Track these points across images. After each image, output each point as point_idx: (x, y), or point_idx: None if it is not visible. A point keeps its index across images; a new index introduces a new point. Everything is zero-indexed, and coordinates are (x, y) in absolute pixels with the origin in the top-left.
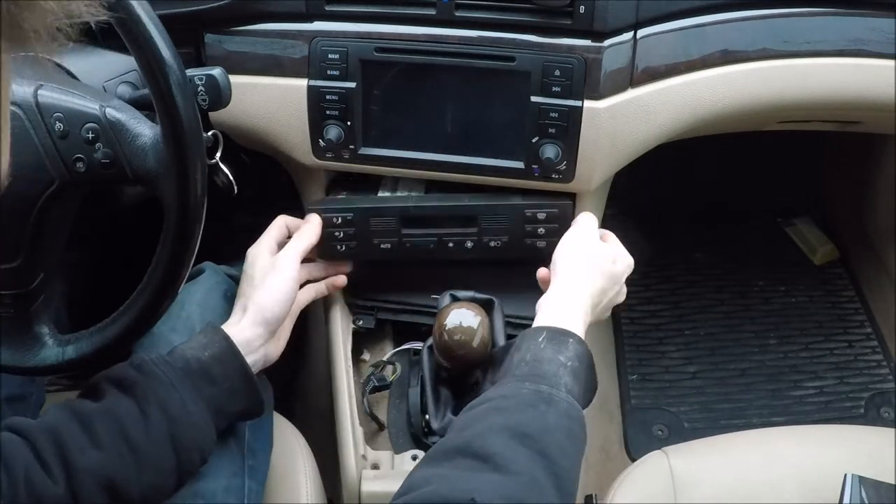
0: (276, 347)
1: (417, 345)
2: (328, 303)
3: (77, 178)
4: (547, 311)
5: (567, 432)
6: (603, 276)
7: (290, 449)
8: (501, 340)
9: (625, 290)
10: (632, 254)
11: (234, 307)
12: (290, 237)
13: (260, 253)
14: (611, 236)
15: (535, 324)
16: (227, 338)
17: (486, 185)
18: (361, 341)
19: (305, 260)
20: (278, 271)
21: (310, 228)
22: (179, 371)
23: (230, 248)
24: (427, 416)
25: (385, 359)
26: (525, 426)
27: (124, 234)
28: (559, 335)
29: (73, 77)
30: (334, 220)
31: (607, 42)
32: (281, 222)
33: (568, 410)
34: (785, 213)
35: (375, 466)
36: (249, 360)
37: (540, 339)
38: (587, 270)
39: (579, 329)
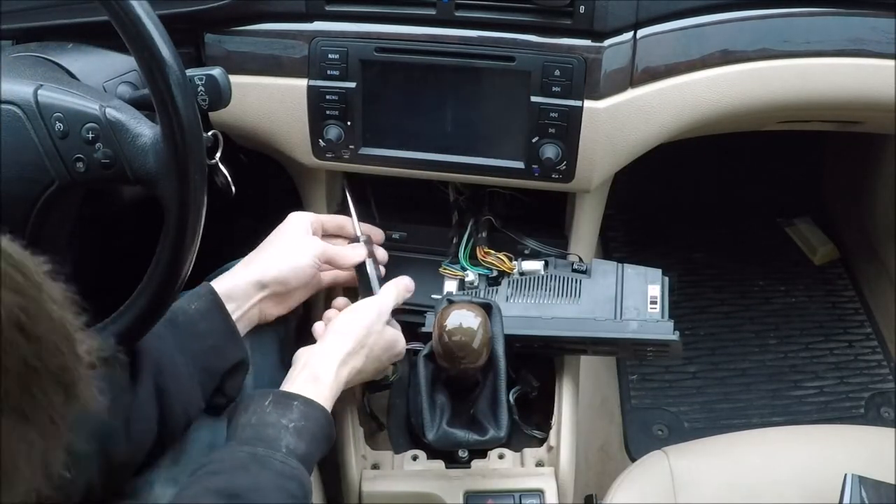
0: (276, 308)
1: (418, 345)
2: (328, 303)
3: (77, 178)
4: (303, 366)
5: (279, 490)
6: (369, 358)
7: None
8: (500, 345)
9: (382, 371)
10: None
11: (241, 261)
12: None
13: (299, 223)
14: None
15: (289, 374)
16: (213, 292)
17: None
18: None
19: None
20: (302, 248)
21: (351, 259)
22: (167, 323)
23: (231, 252)
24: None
25: None
26: (235, 487)
27: (124, 234)
28: (284, 398)
29: (73, 77)
30: None
31: (607, 42)
32: (341, 221)
33: (282, 470)
34: (785, 213)
35: (375, 466)
36: (239, 312)
37: (266, 403)
38: (354, 348)
39: (329, 396)
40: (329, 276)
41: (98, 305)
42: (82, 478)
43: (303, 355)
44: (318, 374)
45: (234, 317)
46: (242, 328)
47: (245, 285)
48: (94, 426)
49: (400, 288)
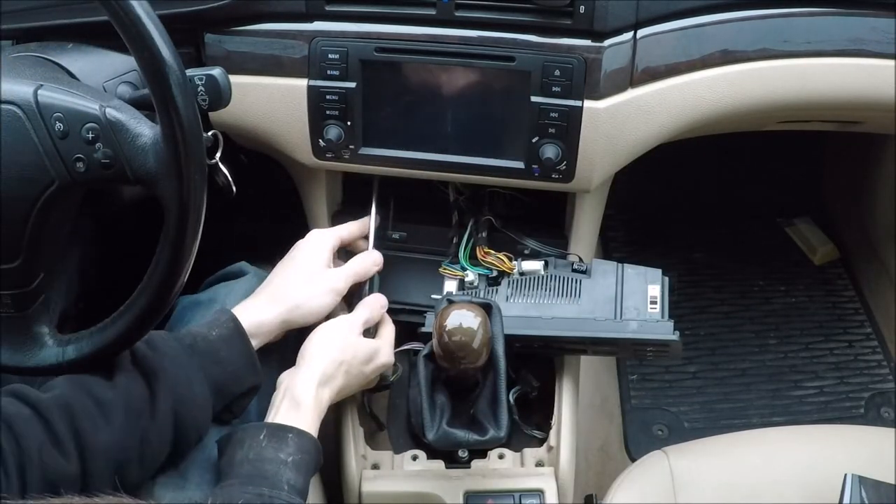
0: (298, 317)
1: (418, 345)
2: None
3: (77, 178)
4: (284, 392)
5: None
6: (347, 375)
7: None
8: (500, 345)
9: (374, 379)
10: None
11: (258, 290)
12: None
13: (321, 250)
14: (385, 329)
15: (273, 400)
16: (234, 319)
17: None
18: None
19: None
20: (326, 286)
21: (369, 264)
22: (188, 349)
23: (233, 254)
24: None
25: None
26: None
27: (124, 234)
28: (279, 432)
29: (73, 77)
30: None
31: (607, 42)
32: (355, 229)
33: None
34: (785, 213)
35: (375, 466)
36: (261, 344)
37: (261, 437)
38: (331, 366)
39: (312, 419)
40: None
41: (98, 305)
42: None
43: (284, 380)
44: (298, 399)
45: (255, 345)
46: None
47: (273, 323)
48: (110, 451)
49: (373, 304)
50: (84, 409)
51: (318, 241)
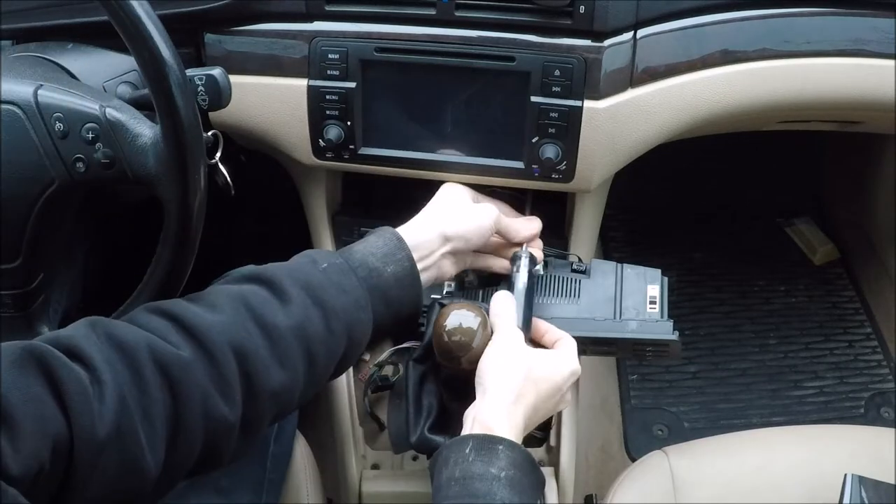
0: (453, 268)
1: (417, 344)
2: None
3: (77, 179)
4: (472, 422)
5: None
6: (537, 388)
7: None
8: None
9: (569, 397)
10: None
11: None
12: None
13: (464, 191)
14: (563, 342)
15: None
16: (410, 258)
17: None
18: None
19: None
20: (481, 209)
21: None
22: (363, 282)
23: (242, 256)
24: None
25: (383, 357)
26: None
27: (124, 234)
28: (487, 443)
29: (73, 77)
30: None
31: (607, 42)
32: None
33: None
34: (785, 213)
35: (375, 466)
36: (423, 263)
37: (467, 450)
38: (516, 382)
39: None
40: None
41: (98, 305)
42: None
43: (469, 414)
44: (490, 426)
45: (419, 266)
46: (424, 282)
47: (432, 235)
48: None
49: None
50: (257, 350)
51: (458, 187)
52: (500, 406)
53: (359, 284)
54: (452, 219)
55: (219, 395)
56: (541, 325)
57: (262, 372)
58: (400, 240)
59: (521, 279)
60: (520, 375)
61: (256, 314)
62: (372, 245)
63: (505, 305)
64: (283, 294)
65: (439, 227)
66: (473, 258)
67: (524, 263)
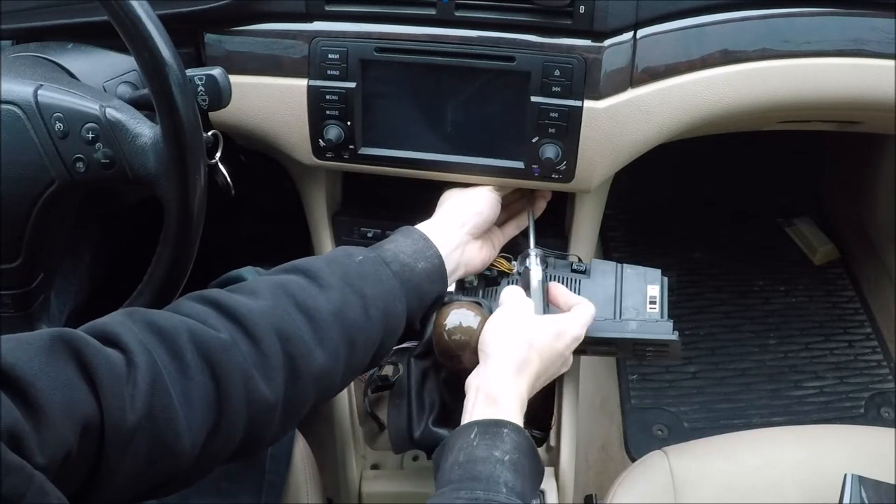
0: (479, 253)
1: (416, 343)
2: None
3: (77, 178)
4: (476, 391)
5: None
6: (540, 356)
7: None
8: None
9: (570, 360)
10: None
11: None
12: None
13: (455, 188)
14: (579, 307)
15: (465, 406)
16: (438, 256)
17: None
18: None
19: None
20: (482, 189)
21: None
22: (396, 276)
23: (242, 257)
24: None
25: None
26: None
27: (124, 234)
28: (492, 427)
29: (73, 77)
30: None
31: (607, 42)
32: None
33: None
34: (785, 213)
35: (375, 466)
36: (445, 250)
37: (472, 436)
38: (520, 351)
39: (514, 412)
40: (508, 230)
41: (98, 305)
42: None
43: (472, 381)
44: (494, 395)
45: (447, 262)
46: (454, 275)
47: (451, 226)
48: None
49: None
50: (299, 333)
51: (452, 190)
52: (503, 374)
53: (392, 277)
54: (459, 203)
55: (260, 377)
56: (557, 290)
57: (305, 354)
58: (426, 238)
59: (536, 276)
60: (523, 343)
61: (297, 300)
62: (401, 243)
63: (514, 294)
64: (322, 281)
65: (452, 216)
66: (500, 234)
67: (535, 261)
